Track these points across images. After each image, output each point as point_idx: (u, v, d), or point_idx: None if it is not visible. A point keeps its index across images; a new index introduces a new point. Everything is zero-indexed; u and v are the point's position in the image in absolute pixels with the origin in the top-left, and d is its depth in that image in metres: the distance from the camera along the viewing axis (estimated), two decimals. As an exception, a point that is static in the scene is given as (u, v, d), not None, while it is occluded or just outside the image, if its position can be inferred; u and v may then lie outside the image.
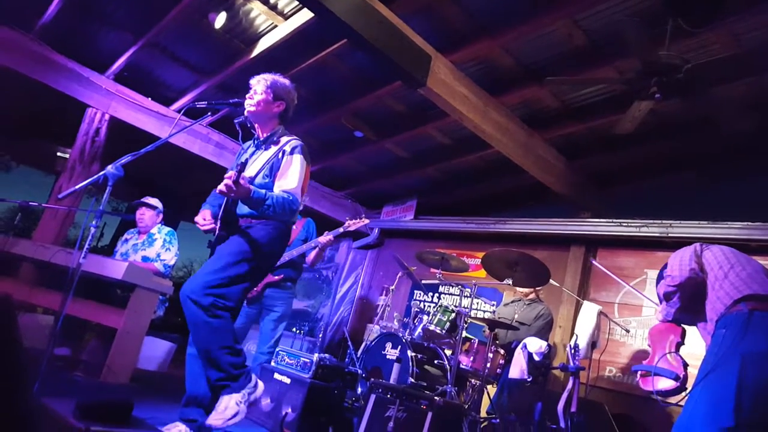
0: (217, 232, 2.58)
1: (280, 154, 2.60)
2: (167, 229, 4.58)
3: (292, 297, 4.44)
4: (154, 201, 4.63)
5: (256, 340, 4.35)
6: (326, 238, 4.32)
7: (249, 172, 2.61)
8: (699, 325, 2.55)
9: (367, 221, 4.59)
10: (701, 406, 2.07)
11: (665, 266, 2.79)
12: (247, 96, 2.68)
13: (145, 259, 4.35)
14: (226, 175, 2.30)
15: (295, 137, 2.70)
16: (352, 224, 4.43)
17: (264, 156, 2.65)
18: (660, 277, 2.78)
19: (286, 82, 2.75)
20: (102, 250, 10.55)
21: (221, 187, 2.31)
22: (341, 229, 4.42)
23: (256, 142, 2.76)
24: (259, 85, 2.68)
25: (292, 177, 2.56)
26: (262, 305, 4.21)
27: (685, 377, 2.59)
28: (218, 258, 2.48)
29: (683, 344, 2.77)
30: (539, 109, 4.85)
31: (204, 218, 2.67)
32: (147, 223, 4.53)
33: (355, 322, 7.34)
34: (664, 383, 2.61)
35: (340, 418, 3.55)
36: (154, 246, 4.44)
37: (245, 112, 2.68)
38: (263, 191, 2.44)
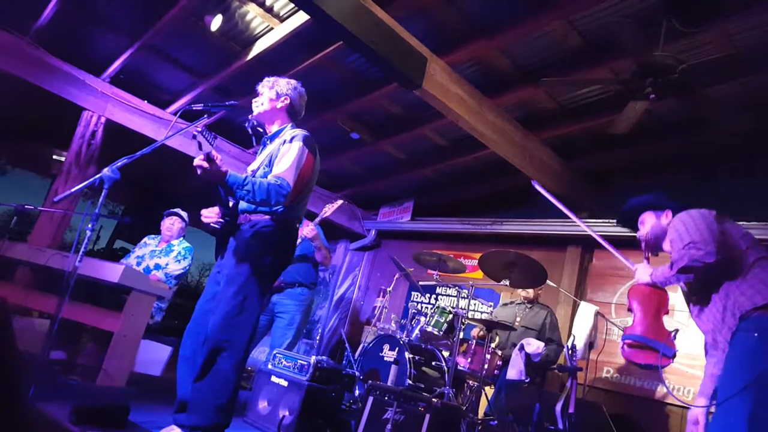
0: (213, 222, 2.55)
1: (282, 144, 2.56)
2: (187, 244, 4.59)
3: (303, 302, 4.36)
4: (184, 214, 4.67)
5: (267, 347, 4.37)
6: (308, 229, 4.31)
7: (252, 165, 2.60)
8: (694, 308, 2.33)
9: (341, 202, 4.70)
10: (741, 422, 1.86)
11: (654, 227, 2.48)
12: (253, 100, 2.72)
13: (157, 266, 4.38)
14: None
15: (302, 129, 2.66)
16: (329, 209, 4.50)
17: (268, 149, 2.64)
18: (654, 238, 2.49)
19: (291, 80, 2.78)
20: (98, 253, 10.51)
21: (197, 168, 2.22)
22: (318, 217, 4.47)
23: (263, 140, 2.76)
24: (263, 87, 2.72)
25: (284, 162, 2.46)
26: (272, 313, 4.22)
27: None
28: (225, 289, 2.45)
29: (668, 315, 2.58)
30: (535, 110, 4.86)
31: (212, 212, 2.60)
32: (174, 234, 4.55)
33: (352, 324, 7.34)
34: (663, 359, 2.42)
35: (338, 420, 3.54)
36: (169, 256, 4.45)
37: (251, 115, 2.69)
38: (243, 176, 2.35)
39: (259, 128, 2.75)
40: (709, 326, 2.25)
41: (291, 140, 2.53)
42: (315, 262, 4.45)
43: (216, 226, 2.55)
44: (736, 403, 1.88)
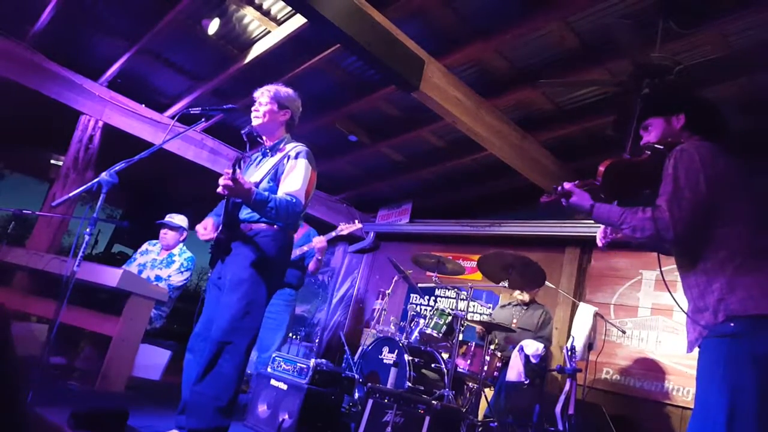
0: (216, 235, 2.58)
1: (285, 160, 2.63)
2: (189, 254, 4.54)
3: (290, 302, 4.43)
4: (179, 219, 4.57)
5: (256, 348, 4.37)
6: (319, 240, 4.33)
7: (254, 177, 2.63)
8: (685, 275, 1.84)
9: (360, 225, 4.61)
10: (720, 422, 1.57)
11: None
12: (252, 109, 2.73)
13: (158, 278, 4.34)
14: (224, 170, 2.32)
15: (301, 144, 2.73)
16: (345, 228, 4.46)
17: (269, 162, 2.68)
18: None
19: (289, 90, 2.80)
20: (96, 258, 10.49)
21: (220, 187, 2.32)
22: (333, 233, 4.44)
23: (262, 150, 2.80)
24: (263, 96, 2.73)
25: (295, 180, 2.57)
26: None
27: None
28: (229, 294, 2.47)
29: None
30: (532, 112, 4.86)
31: (204, 227, 2.70)
32: (169, 243, 4.50)
33: (351, 326, 7.33)
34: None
35: (338, 423, 3.53)
36: (170, 267, 4.42)
37: (252, 124, 2.72)
38: (266, 193, 2.45)
39: (258, 138, 2.78)
40: (687, 301, 1.83)
41: (296, 157, 2.62)
42: (305, 267, 4.49)
43: (222, 237, 2.58)
44: (714, 403, 1.60)
